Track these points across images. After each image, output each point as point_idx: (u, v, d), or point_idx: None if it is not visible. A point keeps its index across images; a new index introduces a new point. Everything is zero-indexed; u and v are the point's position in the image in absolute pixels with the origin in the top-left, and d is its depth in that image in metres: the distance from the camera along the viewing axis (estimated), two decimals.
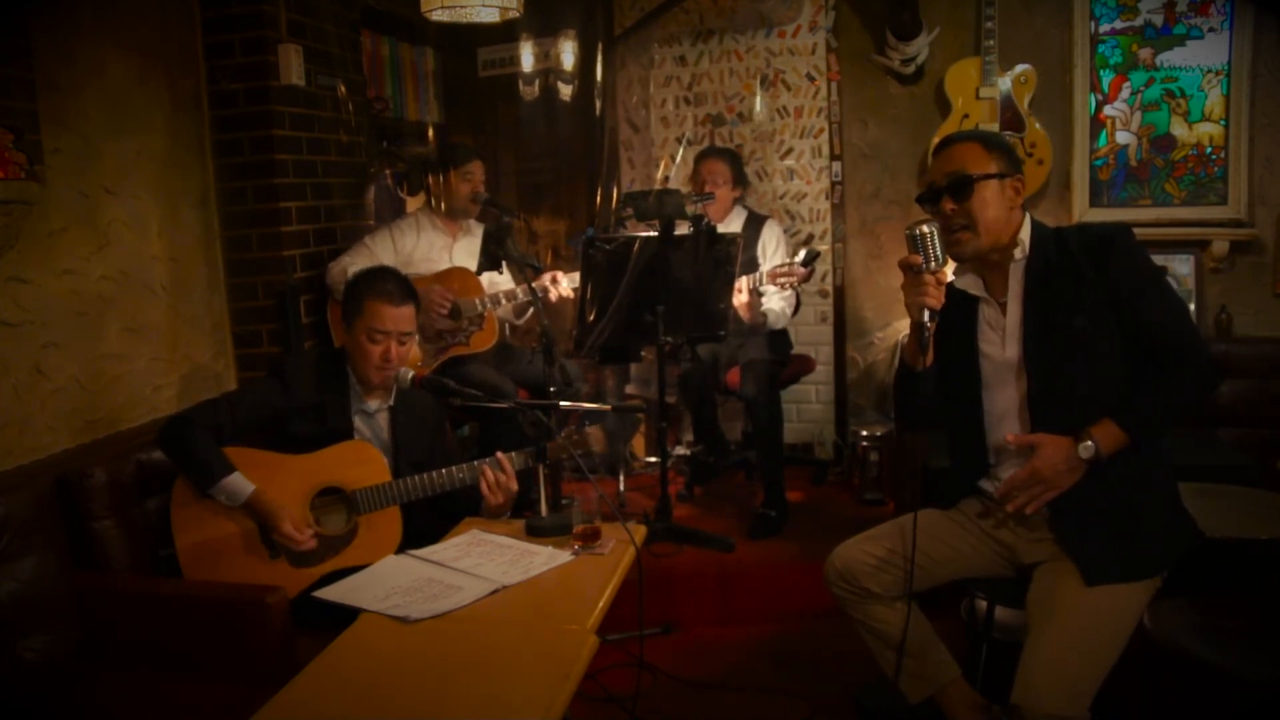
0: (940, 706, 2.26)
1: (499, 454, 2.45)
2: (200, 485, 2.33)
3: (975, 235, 2.09)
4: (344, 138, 3.74)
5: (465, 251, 3.64)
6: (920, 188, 4.23)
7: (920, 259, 2.02)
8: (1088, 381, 2.04)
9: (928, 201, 2.14)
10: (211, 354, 3.31)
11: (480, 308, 3.51)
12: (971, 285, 2.18)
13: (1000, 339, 2.15)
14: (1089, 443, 1.99)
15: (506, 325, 3.76)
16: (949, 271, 2.09)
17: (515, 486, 2.44)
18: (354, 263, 3.36)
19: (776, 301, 3.76)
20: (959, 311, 2.19)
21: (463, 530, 2.33)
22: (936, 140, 4.05)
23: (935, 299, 2.03)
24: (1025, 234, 2.11)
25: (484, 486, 2.42)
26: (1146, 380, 2.03)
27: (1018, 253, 2.11)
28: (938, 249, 2.01)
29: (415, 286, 2.65)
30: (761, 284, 3.62)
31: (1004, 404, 2.15)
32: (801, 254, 3.52)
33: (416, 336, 2.64)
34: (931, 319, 2.05)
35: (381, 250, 3.50)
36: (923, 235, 2.01)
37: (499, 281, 3.65)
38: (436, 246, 3.63)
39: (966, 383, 2.19)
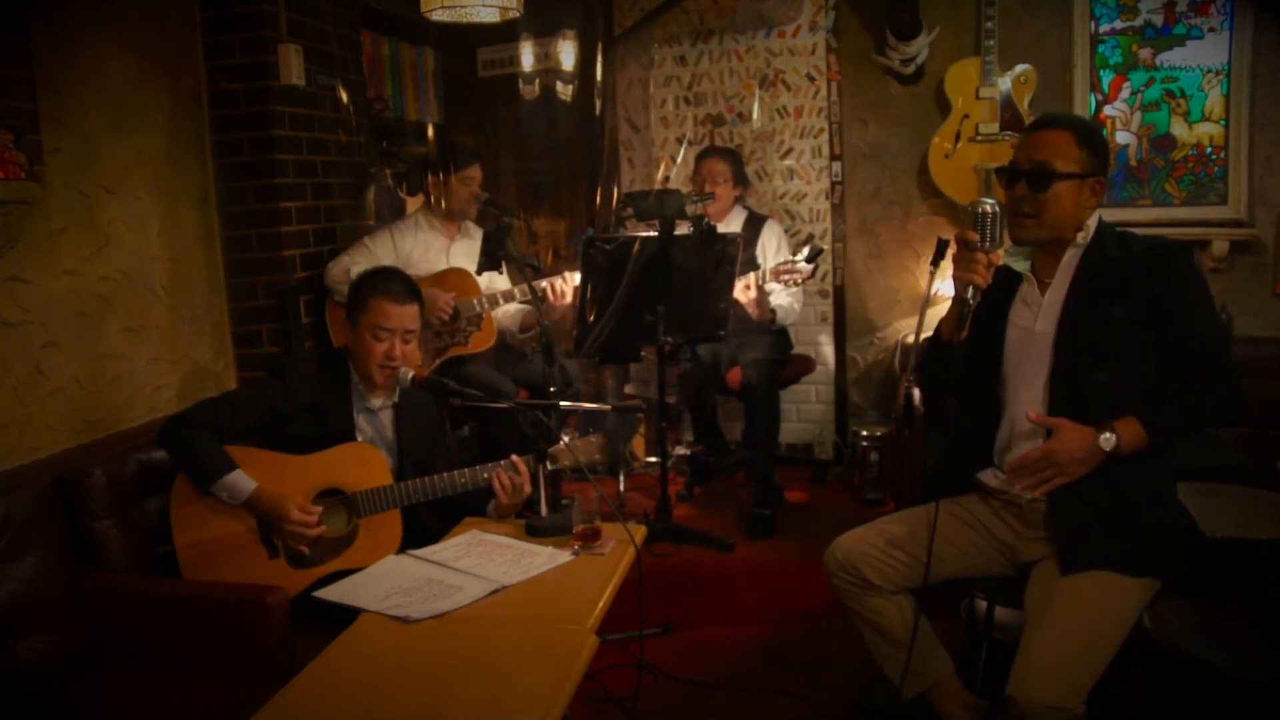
0: (932, 703, 2.27)
1: (514, 457, 2.42)
2: (202, 482, 2.33)
3: (1039, 225, 2.11)
4: (344, 138, 3.74)
5: (462, 252, 3.64)
6: (920, 187, 4.30)
7: (977, 236, 2.02)
8: (1109, 372, 2.05)
9: (1006, 179, 2.14)
10: (211, 354, 3.31)
11: (478, 308, 3.51)
12: (1018, 261, 2.20)
13: (1033, 314, 2.16)
14: (1110, 435, 2.00)
15: (507, 335, 3.76)
16: (1002, 253, 2.09)
17: (529, 488, 2.42)
18: (354, 262, 3.36)
19: (784, 297, 3.76)
20: (998, 283, 2.19)
21: (463, 530, 2.33)
22: (936, 140, 4.10)
23: (983, 278, 2.03)
24: (1091, 223, 2.13)
25: (498, 487, 2.41)
26: (1172, 391, 2.05)
27: (1080, 237, 2.12)
28: (997, 231, 2.01)
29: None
30: (765, 282, 3.62)
31: (1023, 378, 2.17)
32: (805, 251, 3.52)
33: (418, 335, 2.64)
34: (974, 296, 2.05)
35: (382, 250, 3.50)
36: (985, 214, 2.01)
37: (497, 282, 3.65)
38: (434, 248, 3.63)
39: (988, 351, 2.21)
